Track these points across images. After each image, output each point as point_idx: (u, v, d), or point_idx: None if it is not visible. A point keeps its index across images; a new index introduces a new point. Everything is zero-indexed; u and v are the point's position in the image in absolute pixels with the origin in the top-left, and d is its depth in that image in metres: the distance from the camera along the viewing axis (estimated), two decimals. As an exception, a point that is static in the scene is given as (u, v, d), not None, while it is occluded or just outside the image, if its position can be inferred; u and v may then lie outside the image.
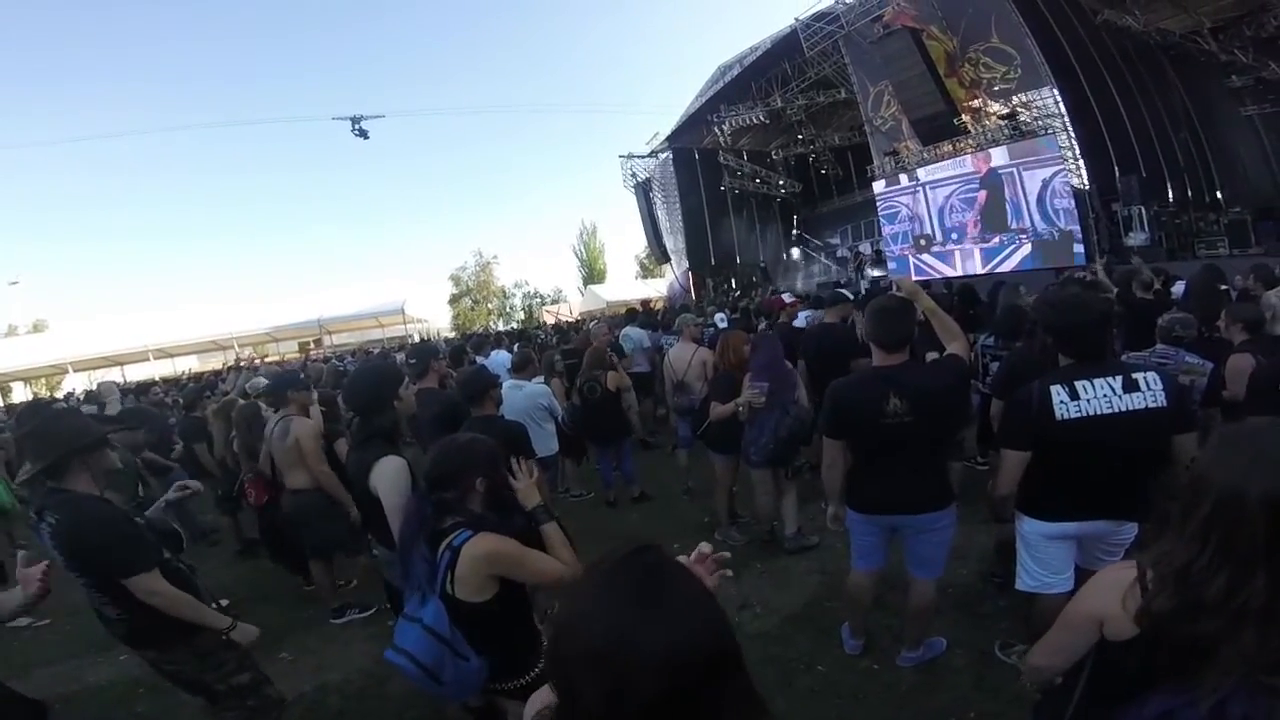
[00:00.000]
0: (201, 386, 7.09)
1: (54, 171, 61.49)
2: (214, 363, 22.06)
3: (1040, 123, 12.90)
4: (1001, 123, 13.47)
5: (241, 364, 18.45)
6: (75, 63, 63.90)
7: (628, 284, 33.24)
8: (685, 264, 22.45)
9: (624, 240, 70.34)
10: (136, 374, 20.59)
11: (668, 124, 22.00)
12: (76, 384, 18.71)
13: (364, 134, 16.79)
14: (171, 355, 22.63)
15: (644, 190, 23.55)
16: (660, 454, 6.51)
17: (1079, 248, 12.17)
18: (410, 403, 2.49)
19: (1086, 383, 2.02)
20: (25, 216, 58.22)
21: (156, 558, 1.96)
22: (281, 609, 3.99)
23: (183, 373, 19.14)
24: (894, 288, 2.95)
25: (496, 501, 1.81)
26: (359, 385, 2.34)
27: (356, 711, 2.86)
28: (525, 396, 4.21)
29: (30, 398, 19.06)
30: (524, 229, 69.14)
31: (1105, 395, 2.00)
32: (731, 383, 3.78)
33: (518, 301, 38.43)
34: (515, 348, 6.81)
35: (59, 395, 16.53)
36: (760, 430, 3.62)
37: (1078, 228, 12.29)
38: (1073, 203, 12.34)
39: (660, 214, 23.35)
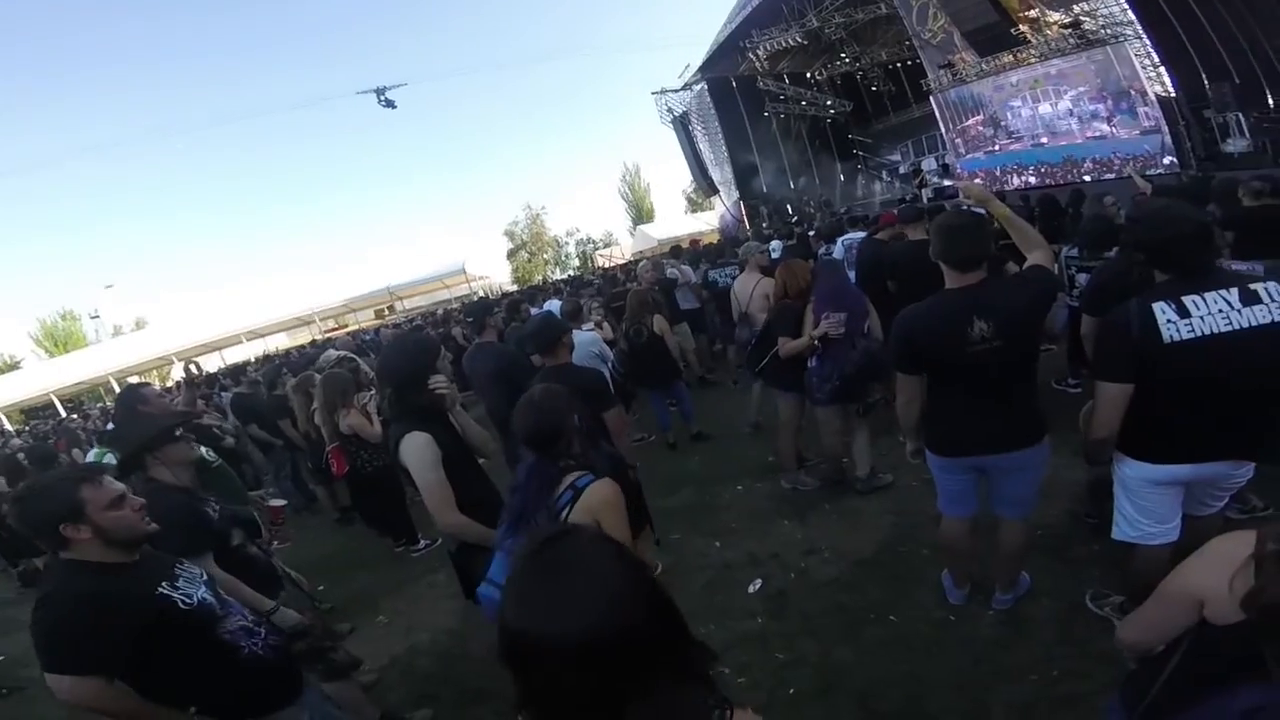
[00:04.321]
0: (279, 365, 7.45)
1: (116, 173, 64.57)
2: (301, 338, 23.60)
3: (1108, 30, 11.61)
4: (1065, 31, 12.11)
5: (319, 339, 19.66)
6: (79, 65, 64.49)
7: (677, 220, 32.43)
8: (735, 194, 21.61)
9: (670, 176, 68.23)
10: (233, 356, 22.26)
11: (698, 55, 20.79)
12: (180, 373, 20.44)
13: (390, 104, 16.66)
14: (262, 335, 24.41)
15: (683, 124, 22.52)
16: (721, 390, 6.40)
17: (1170, 157, 11.15)
18: (448, 374, 2.47)
19: (1196, 298, 1.69)
20: (105, 218, 61.77)
21: (209, 544, 2.09)
22: (375, 574, 4.24)
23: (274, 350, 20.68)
24: (960, 195, 2.62)
25: (589, 437, 1.79)
26: (392, 361, 2.29)
27: (442, 673, 3.00)
28: (577, 345, 4.16)
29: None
30: (569, 177, 68.48)
31: (1221, 310, 1.67)
32: (795, 314, 3.53)
33: (571, 249, 38.61)
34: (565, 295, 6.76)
35: (169, 385, 18.07)
36: (828, 366, 3.39)
37: (1167, 135, 11.20)
38: (1159, 109, 11.29)
39: (703, 146, 22.41)
